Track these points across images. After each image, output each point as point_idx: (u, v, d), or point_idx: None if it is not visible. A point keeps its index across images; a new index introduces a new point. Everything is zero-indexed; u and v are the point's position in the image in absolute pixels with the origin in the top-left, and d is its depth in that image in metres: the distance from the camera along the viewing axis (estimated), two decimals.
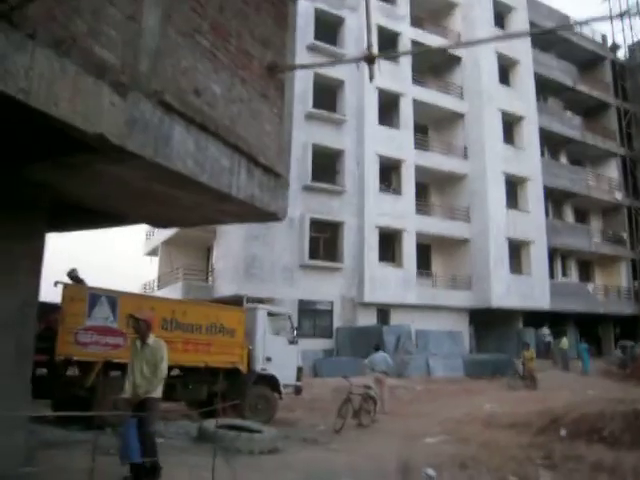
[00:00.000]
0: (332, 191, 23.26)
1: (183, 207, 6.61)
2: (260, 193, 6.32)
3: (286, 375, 12.12)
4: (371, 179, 23.85)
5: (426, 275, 25.72)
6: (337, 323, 22.53)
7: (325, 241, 23.29)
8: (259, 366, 11.64)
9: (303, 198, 22.54)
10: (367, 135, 24.18)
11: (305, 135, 23.02)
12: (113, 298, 9.41)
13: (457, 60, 28.40)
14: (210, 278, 25.55)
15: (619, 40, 35.80)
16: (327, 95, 24.35)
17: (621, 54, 35.39)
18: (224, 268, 23.07)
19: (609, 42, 35.47)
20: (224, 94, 5.88)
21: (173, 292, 24.38)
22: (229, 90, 5.97)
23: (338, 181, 23.74)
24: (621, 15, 35.56)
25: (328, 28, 25.17)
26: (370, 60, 6.10)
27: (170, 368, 10.37)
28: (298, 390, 12.59)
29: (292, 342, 12.58)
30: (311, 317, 22.33)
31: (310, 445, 9.44)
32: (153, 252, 31.08)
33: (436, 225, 25.77)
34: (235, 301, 12.05)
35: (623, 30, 37.38)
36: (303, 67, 8.59)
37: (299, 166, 22.62)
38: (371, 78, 6.31)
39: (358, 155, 24.14)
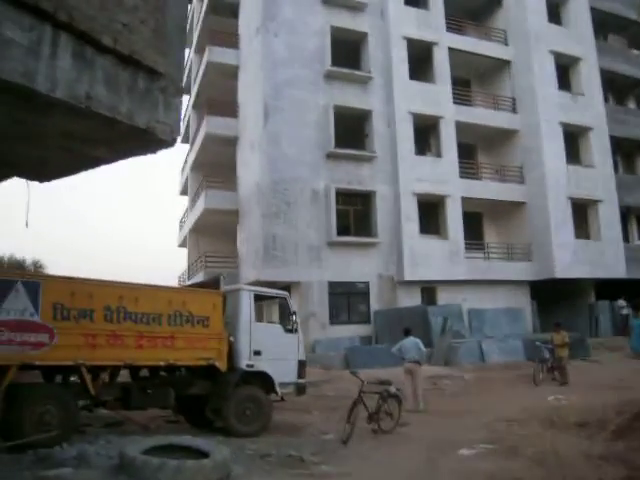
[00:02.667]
0: (360, 157, 20.56)
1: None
2: (109, 94, 3.90)
3: (283, 371, 9.69)
4: (405, 141, 20.98)
5: (477, 246, 22.62)
6: (375, 306, 19.88)
7: (355, 214, 20.64)
8: (244, 362, 9.25)
9: (327, 167, 20.01)
10: (397, 92, 21.27)
11: (325, 97, 20.52)
12: (33, 284, 7.31)
13: (497, 1, 24.96)
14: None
15: None
16: (348, 51, 21.62)
17: None
18: (247, 252, 20.90)
19: None
20: None
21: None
22: None
23: (367, 146, 21.00)
24: None
25: None
26: None
27: (116, 368, 8.31)
28: (301, 389, 10.13)
29: (290, 330, 10.14)
30: (344, 301, 19.77)
31: (290, 468, 6.97)
32: (184, 243, 29.43)
33: (485, 189, 22.60)
34: (213, 283, 9.76)
35: None
36: None
37: (320, 132, 20.14)
38: None
39: (388, 115, 21.30)
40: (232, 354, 9.19)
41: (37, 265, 38.63)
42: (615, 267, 23.08)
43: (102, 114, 3.85)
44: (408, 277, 20.05)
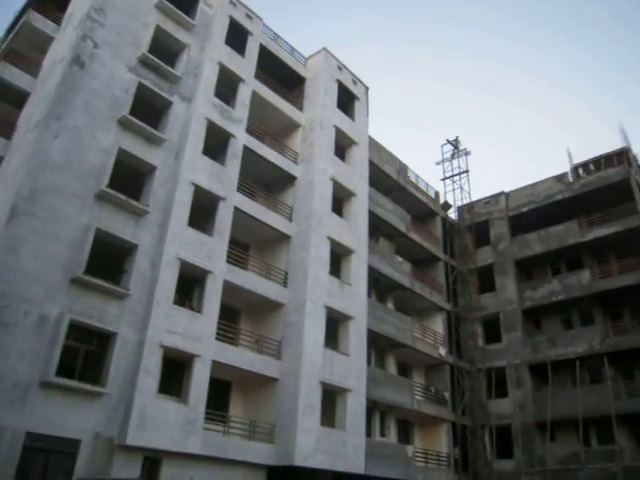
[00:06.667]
0: (111, 292, 18.02)
1: None
2: None
3: None
4: (165, 286, 19.14)
5: (219, 418, 20.50)
6: (81, 473, 16.06)
7: (87, 355, 17.46)
8: None
9: (68, 294, 17.06)
10: (171, 234, 19.87)
11: (90, 217, 18.28)
12: None
13: (291, 179, 26.14)
14: None
15: (450, 199, 36.36)
16: (130, 178, 20.17)
17: (452, 213, 36.41)
18: None
19: (442, 199, 36.34)
20: None
21: None
22: None
23: (122, 282, 18.73)
24: (451, 177, 37.02)
25: (150, 108, 21.73)
26: None
27: None
28: None
29: None
30: (40, 460, 15.55)
31: None
32: None
33: (241, 357, 21.14)
34: None
35: (454, 191, 37.79)
36: None
37: (72, 253, 17.50)
38: None
39: (155, 256, 19.61)
40: None
41: None
42: (355, 461, 22.37)
43: None
44: (130, 441, 16.84)
